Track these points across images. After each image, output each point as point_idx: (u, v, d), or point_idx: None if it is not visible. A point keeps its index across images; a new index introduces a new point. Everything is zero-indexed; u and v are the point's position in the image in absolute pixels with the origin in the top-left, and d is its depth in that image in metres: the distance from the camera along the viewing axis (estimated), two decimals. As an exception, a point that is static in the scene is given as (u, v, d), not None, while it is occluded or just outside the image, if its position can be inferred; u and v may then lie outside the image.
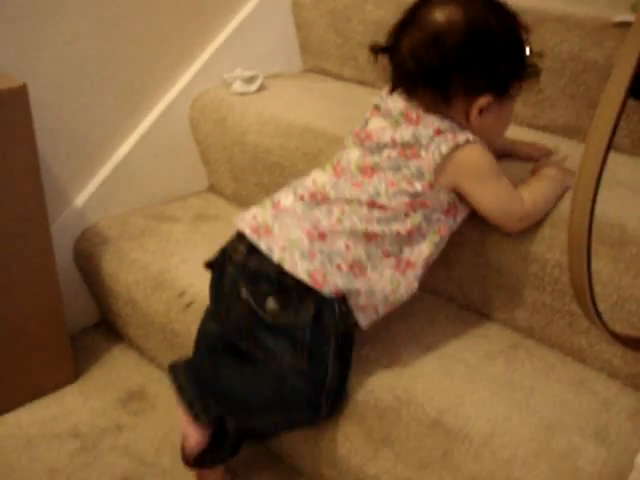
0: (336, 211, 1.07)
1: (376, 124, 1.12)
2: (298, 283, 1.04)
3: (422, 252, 1.10)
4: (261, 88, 1.66)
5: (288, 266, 1.04)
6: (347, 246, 1.06)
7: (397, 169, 1.07)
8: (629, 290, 1.04)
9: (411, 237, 1.09)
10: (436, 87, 1.06)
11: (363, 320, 1.09)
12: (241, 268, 1.09)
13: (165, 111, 1.64)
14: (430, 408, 1.05)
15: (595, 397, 1.07)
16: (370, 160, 1.09)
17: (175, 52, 1.64)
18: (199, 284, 1.36)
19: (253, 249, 1.07)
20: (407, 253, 1.09)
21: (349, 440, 1.11)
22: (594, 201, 0.64)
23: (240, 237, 1.11)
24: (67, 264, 1.56)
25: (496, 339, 1.19)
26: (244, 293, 1.08)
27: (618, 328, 1.01)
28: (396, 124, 1.09)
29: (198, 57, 1.68)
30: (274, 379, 1.09)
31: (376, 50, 1.12)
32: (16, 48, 1.39)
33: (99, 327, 1.63)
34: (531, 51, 1.08)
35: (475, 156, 1.08)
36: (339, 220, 1.07)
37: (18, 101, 1.27)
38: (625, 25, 1.23)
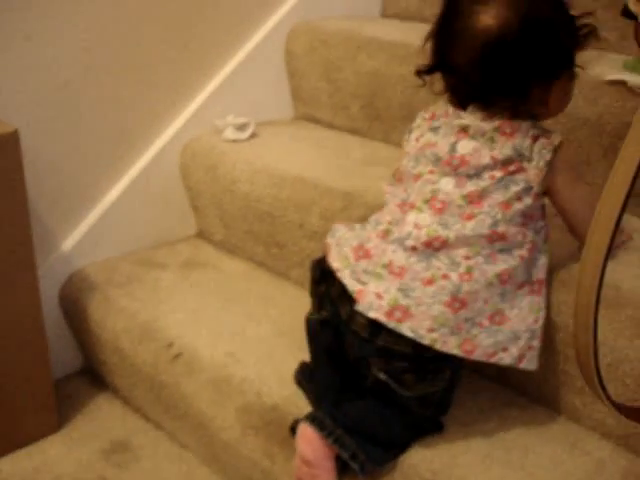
0: (460, 259, 1.01)
1: (468, 147, 1.04)
2: (436, 356, 1.01)
3: (544, 264, 1.05)
4: (253, 135, 1.66)
5: (440, 346, 0.99)
6: (485, 301, 1.01)
7: (506, 188, 1.01)
8: (624, 351, 1.04)
9: (532, 256, 1.04)
10: (513, 90, 1.02)
11: (529, 364, 1.04)
12: (368, 344, 1.03)
13: (155, 157, 1.64)
14: (424, 470, 1.04)
15: (589, 457, 1.05)
16: (473, 186, 1.02)
17: (167, 98, 1.64)
18: (188, 335, 1.34)
19: (378, 324, 1.01)
20: (535, 273, 1.05)
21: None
22: (602, 277, 0.63)
23: (350, 299, 1.04)
24: (52, 309, 1.54)
25: (488, 396, 1.18)
26: (381, 375, 1.04)
27: (612, 389, 1.00)
28: (491, 141, 1.02)
29: (190, 103, 1.68)
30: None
31: (423, 72, 1.08)
32: (7, 94, 1.38)
33: (83, 374, 1.60)
34: (578, 15, 1.03)
35: (568, 154, 1.06)
36: (469, 271, 1.00)
37: (9, 147, 1.25)
38: (618, 83, 1.24)
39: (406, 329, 0.99)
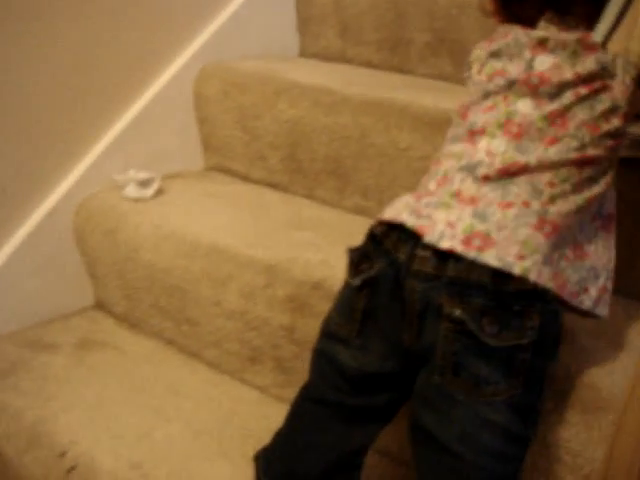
0: (543, 186, 0.86)
1: (547, 63, 0.90)
2: (520, 292, 0.83)
3: (614, 197, 0.93)
4: (158, 192, 1.45)
5: (535, 276, 0.82)
6: (569, 228, 0.87)
7: (591, 108, 0.88)
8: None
9: (609, 187, 0.92)
10: None
11: (602, 310, 0.92)
12: (435, 279, 0.84)
13: (45, 218, 1.41)
14: None
15: None
16: (556, 106, 0.89)
17: (58, 149, 1.42)
18: (84, 441, 1.12)
19: (445, 254, 0.84)
20: (607, 206, 0.93)
21: None
22: None
23: (410, 239, 0.87)
24: None
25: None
26: (456, 312, 0.83)
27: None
28: (574, 55, 0.89)
29: (85, 155, 1.46)
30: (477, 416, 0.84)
31: None
32: None
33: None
34: None
35: None
36: (553, 200, 0.86)
37: None
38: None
39: (491, 258, 0.82)
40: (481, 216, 0.85)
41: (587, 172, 0.88)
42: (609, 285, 0.93)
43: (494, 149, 0.89)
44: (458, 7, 1.49)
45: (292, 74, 1.50)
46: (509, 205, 0.86)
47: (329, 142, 1.40)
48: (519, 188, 0.87)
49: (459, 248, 0.83)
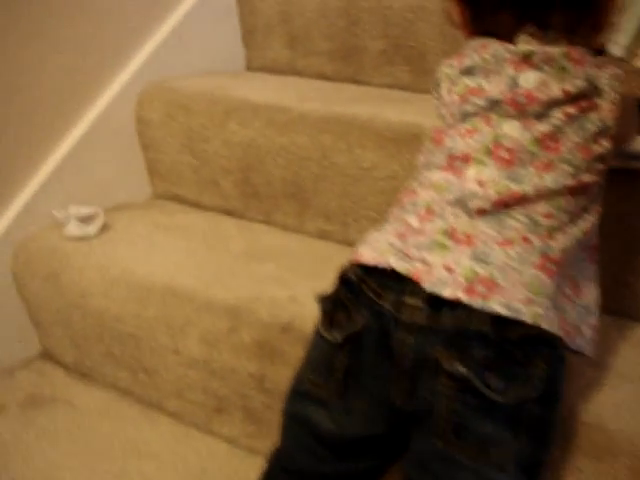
0: (540, 218, 0.78)
1: (533, 80, 0.82)
2: (523, 339, 0.73)
3: (597, 226, 0.85)
4: (103, 228, 1.33)
5: (547, 324, 0.73)
6: (569, 264, 0.80)
7: (582, 129, 0.81)
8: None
9: (599, 215, 0.85)
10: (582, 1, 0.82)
11: (591, 351, 0.83)
12: (429, 331, 0.75)
13: (-21, 264, 1.29)
14: None
15: None
16: (546, 127, 0.80)
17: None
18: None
19: (438, 301, 0.75)
20: (593, 237, 0.85)
21: None
22: None
23: (395, 284, 0.77)
24: None
25: None
26: (458, 368, 0.73)
27: None
28: (561, 71, 0.81)
29: (19, 192, 1.34)
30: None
31: None
32: None
33: None
34: None
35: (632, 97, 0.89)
36: (551, 232, 0.78)
37: None
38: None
39: (497, 305, 0.73)
40: (481, 258, 0.76)
41: (582, 200, 0.82)
42: (598, 322, 0.85)
43: (485, 178, 0.80)
44: (414, 12, 1.39)
45: (241, 91, 1.40)
46: (509, 243, 0.77)
47: (286, 164, 1.30)
48: (516, 221, 0.78)
49: (463, 297, 0.74)
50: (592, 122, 0.82)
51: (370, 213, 1.25)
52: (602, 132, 0.82)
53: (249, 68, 1.67)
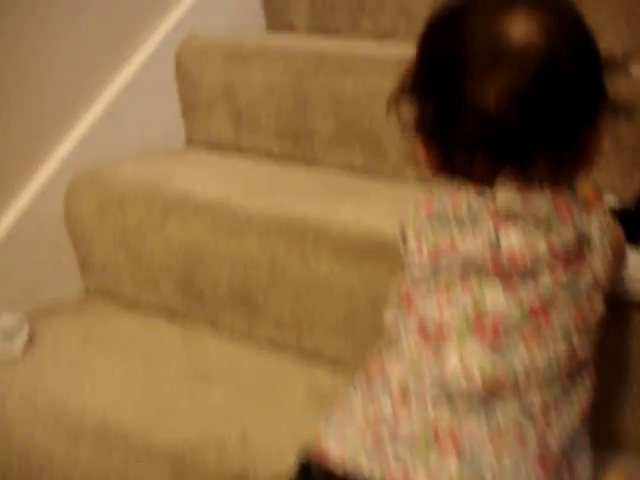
0: (535, 409, 0.69)
1: (515, 237, 0.71)
2: None
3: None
4: (29, 343, 1.19)
5: None
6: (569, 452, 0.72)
7: (576, 291, 0.72)
8: None
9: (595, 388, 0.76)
10: (560, 136, 0.71)
11: None
12: None
13: None
14: None
15: None
16: (531, 293, 0.70)
17: None
18: None
19: None
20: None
21: None
22: None
23: None
24: None
25: None
26: None
27: None
28: (549, 227, 0.71)
29: None
30: None
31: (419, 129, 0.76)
32: None
33: None
34: None
35: (618, 229, 0.79)
36: (549, 422, 0.69)
37: None
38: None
39: None
40: (472, 466, 0.66)
41: (578, 382, 0.72)
42: None
43: (468, 360, 0.70)
44: (369, 96, 1.29)
45: (181, 182, 1.28)
46: (503, 448, 0.67)
47: (232, 271, 1.18)
48: (507, 417, 0.69)
49: None
50: (584, 276, 0.73)
51: (327, 322, 1.14)
52: (594, 286, 0.73)
53: (189, 142, 1.55)
